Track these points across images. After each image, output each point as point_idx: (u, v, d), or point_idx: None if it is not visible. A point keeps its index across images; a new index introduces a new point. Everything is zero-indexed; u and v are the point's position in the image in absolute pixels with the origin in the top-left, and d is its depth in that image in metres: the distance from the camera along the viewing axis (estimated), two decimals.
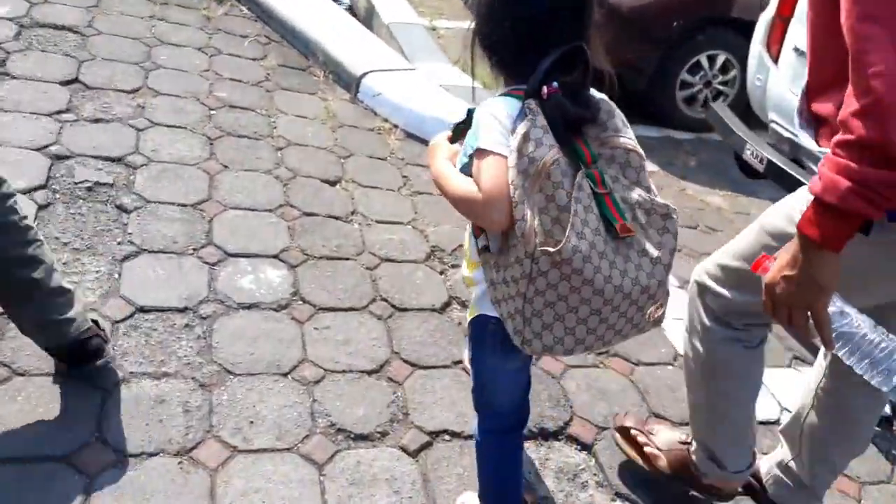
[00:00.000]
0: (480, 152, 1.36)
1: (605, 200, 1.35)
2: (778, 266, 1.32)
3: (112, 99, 3.17)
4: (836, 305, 1.30)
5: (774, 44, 3.05)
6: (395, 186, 3.19)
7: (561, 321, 1.36)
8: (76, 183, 2.64)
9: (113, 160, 2.81)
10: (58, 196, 2.57)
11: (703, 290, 1.79)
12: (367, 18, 5.43)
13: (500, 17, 1.37)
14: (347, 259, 2.67)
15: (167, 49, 3.70)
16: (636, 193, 1.39)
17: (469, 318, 1.62)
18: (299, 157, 3.19)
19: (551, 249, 1.28)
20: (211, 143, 3.09)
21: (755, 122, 3.43)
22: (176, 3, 4.18)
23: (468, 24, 1.45)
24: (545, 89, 1.32)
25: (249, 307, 2.35)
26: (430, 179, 3.34)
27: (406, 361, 2.29)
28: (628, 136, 1.41)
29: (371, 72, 3.79)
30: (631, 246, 1.38)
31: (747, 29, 3.53)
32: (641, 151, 1.42)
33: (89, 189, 2.64)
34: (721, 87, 4.67)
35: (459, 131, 1.49)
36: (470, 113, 1.44)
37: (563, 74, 1.34)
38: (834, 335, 1.32)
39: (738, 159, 3.33)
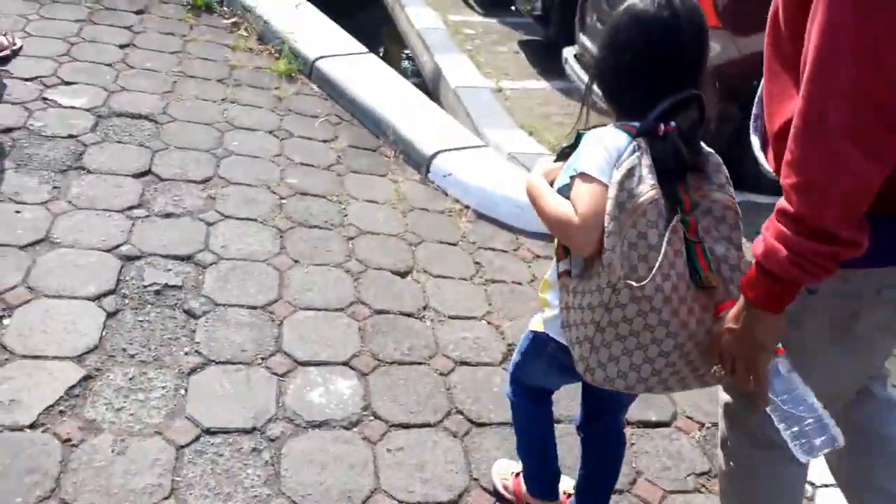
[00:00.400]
0: (584, 176, 1.39)
1: (695, 248, 1.37)
2: (727, 317, 1.33)
3: (183, 191, 3.12)
4: (781, 367, 1.31)
5: None
6: (467, 275, 3.02)
7: (628, 356, 1.38)
8: (145, 286, 2.57)
9: (182, 259, 2.73)
10: (127, 302, 2.49)
11: (728, 408, 1.61)
12: (435, 82, 5.37)
13: (624, 53, 1.41)
14: (420, 364, 2.50)
15: (239, 134, 3.65)
16: (725, 248, 1.39)
17: (530, 329, 1.71)
18: (370, 246, 3.06)
19: (635, 284, 1.32)
20: (281, 236, 2.99)
21: None
22: (248, 83, 4.16)
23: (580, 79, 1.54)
24: (662, 127, 1.35)
25: (319, 425, 2.19)
26: (502, 265, 3.21)
27: (486, 490, 2.09)
28: (729, 193, 1.42)
29: (442, 151, 3.66)
30: (711, 297, 1.38)
31: None
32: (739, 210, 1.42)
33: (158, 293, 2.55)
34: None
35: (565, 155, 1.53)
36: (579, 137, 1.48)
37: (676, 118, 1.38)
38: (771, 394, 1.31)
39: None
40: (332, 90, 4.21)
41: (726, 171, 1.44)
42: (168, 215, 2.95)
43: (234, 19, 4.72)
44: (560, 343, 1.52)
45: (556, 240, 1.53)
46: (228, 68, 4.25)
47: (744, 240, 1.44)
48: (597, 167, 1.37)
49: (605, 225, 1.34)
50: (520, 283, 3.05)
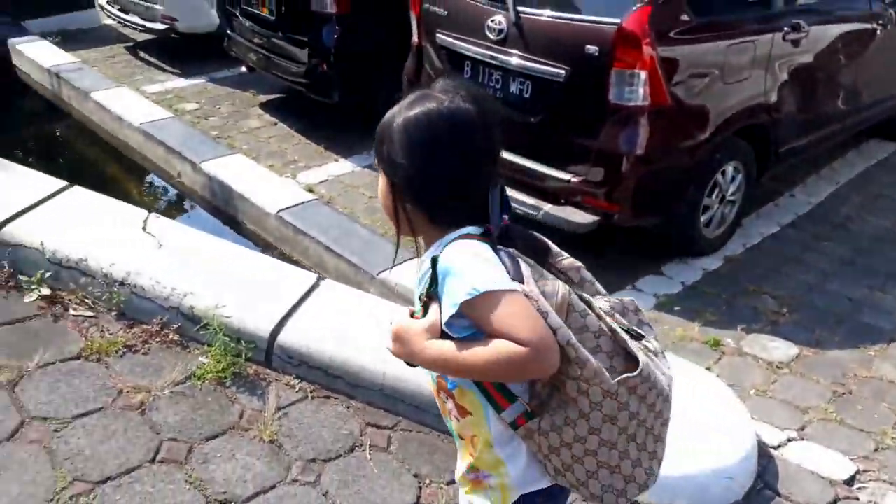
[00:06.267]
0: (490, 296, 1.07)
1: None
2: None
3: None
4: None
5: None
6: None
7: (644, 449, 1.20)
8: None
9: None
10: None
11: None
12: (227, 208, 3.83)
13: (435, 177, 1.18)
14: None
15: None
16: (604, 302, 1.26)
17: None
18: None
19: (632, 375, 1.14)
20: None
21: None
22: (209, 427, 2.16)
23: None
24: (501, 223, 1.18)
25: None
26: None
27: None
28: (567, 256, 1.29)
29: None
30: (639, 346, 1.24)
31: None
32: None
33: None
34: None
35: (428, 296, 1.15)
36: (434, 263, 1.13)
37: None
38: None
39: None
40: (316, 373, 2.44)
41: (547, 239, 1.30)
42: None
43: (41, 290, 2.47)
44: (542, 489, 1.22)
45: (478, 396, 1.19)
46: (148, 423, 2.16)
47: None
48: (497, 279, 1.09)
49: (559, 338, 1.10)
50: None
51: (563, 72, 3.18)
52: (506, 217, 1.18)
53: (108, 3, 6.49)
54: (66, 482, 1.95)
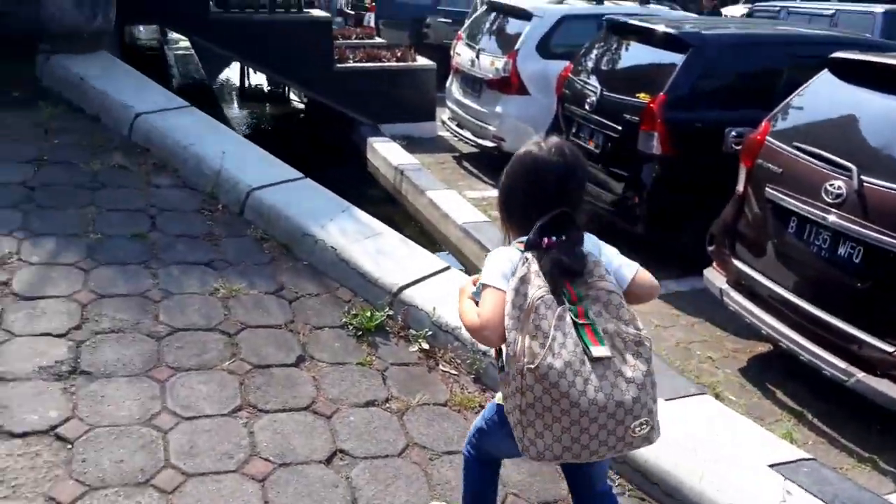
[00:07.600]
0: (485, 286, 1.69)
1: (585, 330, 1.60)
2: None
3: None
4: None
5: None
6: None
7: (549, 430, 1.57)
8: None
9: None
10: None
11: None
12: None
13: (515, 188, 1.76)
14: None
15: None
16: (613, 325, 1.63)
17: (497, 401, 1.88)
18: None
19: (532, 365, 1.54)
20: None
21: None
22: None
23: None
24: (545, 241, 1.65)
25: None
26: None
27: None
28: (609, 281, 1.68)
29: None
30: (608, 367, 1.59)
31: None
32: (620, 292, 1.69)
33: None
34: None
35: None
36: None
37: (559, 233, 1.66)
38: None
39: None
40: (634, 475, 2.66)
41: (605, 263, 1.72)
42: None
43: (422, 344, 3.07)
44: None
45: None
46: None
47: None
48: (494, 277, 1.67)
49: (506, 323, 1.61)
50: None
51: None
52: (551, 239, 1.64)
53: (448, 118, 7.69)
54: None
